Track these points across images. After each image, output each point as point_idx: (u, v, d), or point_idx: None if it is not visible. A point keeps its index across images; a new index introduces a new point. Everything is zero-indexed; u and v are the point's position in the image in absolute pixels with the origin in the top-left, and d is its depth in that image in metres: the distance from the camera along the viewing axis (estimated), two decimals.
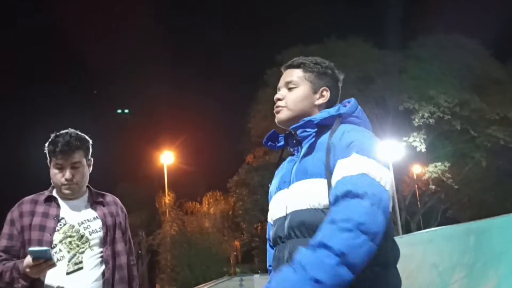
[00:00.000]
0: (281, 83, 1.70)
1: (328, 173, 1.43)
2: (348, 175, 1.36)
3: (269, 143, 1.72)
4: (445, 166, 22.11)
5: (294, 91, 1.64)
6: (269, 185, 1.78)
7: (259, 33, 40.12)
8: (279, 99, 1.67)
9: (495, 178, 23.58)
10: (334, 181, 1.39)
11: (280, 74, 1.82)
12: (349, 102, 1.63)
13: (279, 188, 1.62)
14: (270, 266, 1.70)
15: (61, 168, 2.15)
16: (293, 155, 1.66)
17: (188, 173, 29.69)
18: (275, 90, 1.76)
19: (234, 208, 27.02)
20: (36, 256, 1.89)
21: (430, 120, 20.97)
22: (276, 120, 1.67)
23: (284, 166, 1.68)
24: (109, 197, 2.36)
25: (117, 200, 2.39)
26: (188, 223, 25.42)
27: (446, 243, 5.41)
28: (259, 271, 26.81)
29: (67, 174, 2.13)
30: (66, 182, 2.14)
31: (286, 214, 1.52)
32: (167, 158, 28.16)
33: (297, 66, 1.69)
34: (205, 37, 44.47)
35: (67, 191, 2.16)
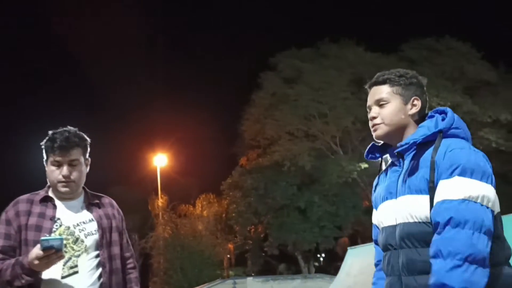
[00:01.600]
0: (371, 101, 1.80)
1: (431, 191, 1.57)
2: (448, 198, 1.51)
3: (370, 155, 1.87)
4: None
5: (387, 107, 1.74)
6: (373, 191, 1.91)
7: (253, 36, 40.19)
8: (374, 117, 1.77)
9: None
10: (435, 201, 1.55)
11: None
12: (444, 112, 1.71)
13: (385, 198, 1.75)
14: (377, 261, 1.90)
15: (58, 165, 2.11)
16: (393, 164, 1.78)
17: (181, 176, 29.61)
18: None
19: (227, 210, 26.96)
20: (47, 246, 1.85)
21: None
22: (374, 137, 1.79)
23: (388, 175, 1.80)
24: (105, 199, 2.32)
25: (113, 202, 2.35)
26: (181, 226, 25.31)
27: None
28: (253, 274, 26.76)
29: (65, 170, 2.10)
30: (63, 179, 2.10)
31: (396, 224, 1.67)
32: (160, 160, 28.06)
33: (383, 82, 1.79)
34: (200, 40, 44.43)
35: (64, 189, 2.12)
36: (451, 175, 1.53)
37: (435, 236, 1.49)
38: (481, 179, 1.53)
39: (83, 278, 2.05)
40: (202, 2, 46.98)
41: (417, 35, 23.97)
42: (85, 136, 2.24)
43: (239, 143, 26.53)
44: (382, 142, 1.83)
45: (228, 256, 29.31)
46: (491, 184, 1.57)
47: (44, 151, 2.16)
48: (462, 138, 1.67)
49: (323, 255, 32.10)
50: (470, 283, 1.40)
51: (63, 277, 2.01)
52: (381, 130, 1.74)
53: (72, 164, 2.12)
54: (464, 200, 1.49)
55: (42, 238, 1.89)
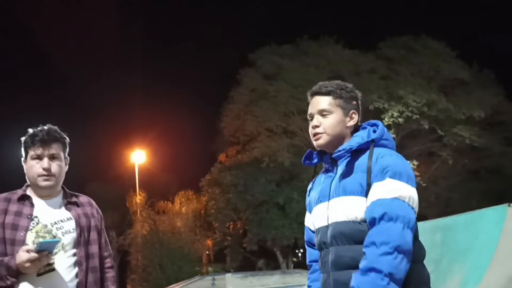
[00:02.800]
0: (313, 110, 1.93)
1: (367, 193, 1.73)
2: (382, 197, 1.68)
3: (306, 161, 2.01)
4: (413, 164, 22.58)
5: (329, 117, 1.89)
6: (307, 196, 2.08)
7: (232, 32, 40.06)
8: (316, 126, 1.90)
9: (461, 176, 24.27)
10: (369, 201, 1.72)
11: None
12: (376, 124, 1.91)
13: (319, 201, 1.91)
14: (310, 262, 2.08)
15: (39, 158, 2.11)
16: (327, 170, 1.95)
17: (160, 172, 29.39)
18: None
19: (206, 207, 26.89)
20: (42, 248, 1.86)
21: (399, 120, 21.41)
22: (315, 145, 1.92)
23: (322, 180, 1.97)
24: (84, 198, 2.33)
25: (92, 201, 2.36)
26: (160, 223, 25.15)
27: None
28: (232, 270, 26.79)
29: (45, 163, 2.10)
30: (44, 173, 2.10)
31: (328, 224, 1.82)
32: (138, 157, 27.78)
33: (327, 94, 1.91)
34: (178, 35, 44.05)
35: (44, 183, 2.12)
36: (383, 178, 1.72)
37: (371, 230, 1.67)
38: (407, 182, 1.73)
39: (59, 275, 2.05)
40: None
41: (394, 34, 24.31)
42: (65, 136, 2.24)
43: (218, 139, 26.46)
44: (319, 149, 1.96)
45: (207, 252, 29.27)
46: (414, 187, 1.76)
47: (23, 147, 2.16)
48: (390, 148, 1.87)
49: (301, 250, 32.36)
50: (396, 270, 1.57)
51: (39, 274, 2.01)
52: (323, 139, 1.89)
53: (53, 157, 2.13)
54: (395, 198, 1.67)
55: (42, 240, 1.92)
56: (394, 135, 22.40)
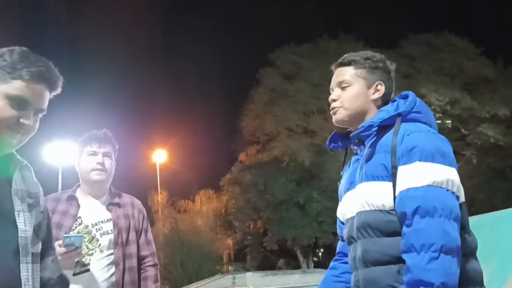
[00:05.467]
0: (333, 83, 1.69)
1: (394, 177, 1.45)
2: (412, 186, 1.40)
3: (332, 144, 1.75)
4: None
5: (348, 89, 1.64)
6: (338, 183, 1.80)
7: (253, 32, 40.10)
8: (334, 100, 1.66)
9: (486, 176, 23.79)
10: (398, 190, 1.43)
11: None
12: (407, 96, 1.62)
13: (347, 189, 1.66)
14: (337, 254, 1.83)
15: (94, 155, 2.25)
16: (356, 153, 1.67)
17: (181, 172, 29.64)
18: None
19: (226, 206, 27.01)
20: (69, 243, 1.94)
21: None
22: (333, 121, 1.67)
23: (350, 165, 1.71)
24: (127, 198, 2.40)
25: (135, 201, 2.43)
26: (181, 222, 25.35)
27: None
28: (252, 269, 26.84)
29: (99, 158, 2.24)
30: (98, 167, 2.23)
31: (354, 215, 1.58)
32: (159, 156, 28.08)
33: (348, 64, 1.67)
34: (199, 36, 44.37)
35: (96, 177, 2.23)
36: (410, 160, 1.43)
37: (404, 229, 1.39)
38: (442, 162, 1.42)
39: (95, 275, 2.10)
40: None
41: (416, 31, 23.98)
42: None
43: (238, 139, 26.56)
44: (345, 130, 1.71)
45: (228, 251, 29.38)
46: (455, 167, 1.46)
47: (80, 146, 2.31)
48: (423, 123, 1.56)
49: (322, 250, 32.21)
50: (448, 276, 1.30)
51: (74, 274, 2.06)
52: (340, 114, 1.64)
53: (106, 155, 2.28)
54: (429, 186, 1.38)
55: (65, 235, 1.97)
56: None
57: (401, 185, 1.42)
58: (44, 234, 1.38)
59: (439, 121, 21.54)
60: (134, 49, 44.06)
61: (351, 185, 1.63)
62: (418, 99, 1.61)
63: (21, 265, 1.24)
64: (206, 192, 27.42)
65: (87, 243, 2.15)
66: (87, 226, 2.19)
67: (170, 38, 46.91)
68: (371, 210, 1.50)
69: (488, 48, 23.68)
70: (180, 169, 29.61)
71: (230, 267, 29.61)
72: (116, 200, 2.34)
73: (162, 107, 41.28)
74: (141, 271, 2.31)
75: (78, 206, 2.24)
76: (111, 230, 2.21)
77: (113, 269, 2.17)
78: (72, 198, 2.26)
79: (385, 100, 1.65)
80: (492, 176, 23.99)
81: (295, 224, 23.74)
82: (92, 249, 2.15)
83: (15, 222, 1.26)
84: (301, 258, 25.90)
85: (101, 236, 2.18)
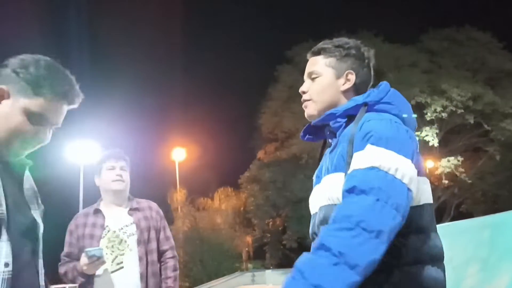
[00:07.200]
0: (305, 74, 1.58)
1: (347, 167, 1.33)
2: (357, 168, 1.27)
3: (307, 136, 1.63)
4: (458, 160, 21.89)
5: (317, 81, 1.53)
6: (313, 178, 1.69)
7: (270, 29, 40.02)
8: (303, 92, 1.55)
9: (509, 172, 23.30)
10: (348, 174, 1.31)
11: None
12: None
13: (316, 183, 1.55)
14: None
15: (112, 168, 2.64)
16: (330, 146, 1.54)
17: (200, 169, 29.81)
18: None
19: (245, 204, 27.08)
20: (91, 255, 2.31)
21: (443, 114, 20.78)
22: (305, 115, 1.56)
23: (324, 159, 1.58)
24: (144, 203, 2.77)
25: (152, 204, 2.79)
26: (200, 219, 25.54)
27: (460, 237, 5.37)
28: (271, 267, 26.87)
29: (118, 170, 2.63)
30: (117, 178, 2.61)
31: (317, 211, 1.46)
32: (178, 154, 28.30)
33: (318, 53, 1.55)
34: (218, 35, 44.49)
35: (117, 187, 2.62)
36: (364, 145, 1.30)
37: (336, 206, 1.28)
38: (398, 152, 1.27)
39: (127, 271, 2.49)
40: None
41: (436, 26, 23.59)
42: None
43: (256, 136, 26.58)
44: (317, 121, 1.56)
45: (247, 249, 29.48)
46: (411, 160, 1.29)
47: (98, 164, 2.69)
48: (394, 115, 1.41)
49: None
50: (351, 250, 1.14)
51: (111, 272, 2.48)
52: (310, 108, 1.52)
53: (122, 169, 2.66)
54: (373, 167, 1.24)
55: (86, 249, 2.35)
56: (437, 131, 21.82)
57: (350, 169, 1.31)
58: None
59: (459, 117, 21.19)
60: (154, 49, 44.46)
61: (318, 179, 1.53)
62: (392, 90, 1.46)
63: (38, 260, 1.28)
64: (225, 190, 27.54)
65: (117, 245, 2.53)
66: (114, 232, 2.56)
67: (189, 37, 47.19)
68: (330, 204, 1.38)
69: (511, 42, 23.15)
70: (199, 167, 29.81)
71: (249, 265, 29.69)
72: (135, 205, 2.69)
73: (181, 106, 41.57)
74: (162, 263, 2.67)
75: (104, 217, 2.61)
76: (135, 231, 2.58)
77: (139, 264, 2.52)
78: (98, 211, 2.63)
79: (359, 90, 1.51)
80: None
81: None
82: (123, 250, 2.52)
83: (35, 219, 1.30)
84: None
85: (128, 237, 2.55)
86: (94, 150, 17.65)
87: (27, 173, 1.35)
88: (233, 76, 39.53)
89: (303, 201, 27.40)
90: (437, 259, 1.34)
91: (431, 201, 1.41)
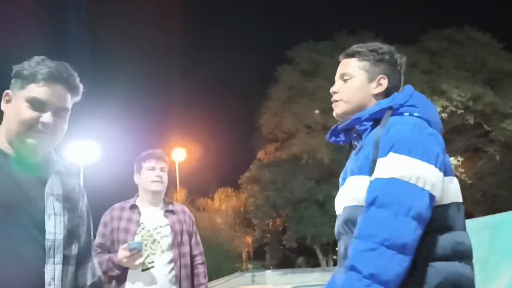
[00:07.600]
0: (337, 74, 1.63)
1: (372, 170, 1.40)
2: (379, 177, 1.35)
3: (333, 138, 1.68)
4: (458, 160, 21.90)
5: (349, 82, 1.58)
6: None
7: (271, 29, 40.03)
8: (334, 92, 1.60)
9: (509, 172, 23.30)
10: (370, 181, 1.39)
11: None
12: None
13: (341, 185, 1.60)
14: None
15: (153, 170, 2.67)
16: (355, 149, 1.60)
17: (200, 170, 29.81)
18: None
19: (245, 204, 27.08)
20: (132, 247, 2.37)
21: (443, 115, 20.75)
22: (334, 114, 1.61)
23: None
24: (179, 207, 2.83)
25: (186, 209, 2.85)
26: (200, 220, 25.53)
27: None
28: (271, 267, 26.87)
29: (158, 171, 2.66)
30: (157, 179, 2.64)
31: (342, 212, 1.53)
32: (178, 154, 28.30)
33: (352, 55, 1.61)
34: (218, 35, 44.48)
35: (156, 187, 2.64)
36: (387, 152, 1.36)
37: (360, 217, 1.36)
38: (421, 158, 1.33)
39: (158, 271, 2.53)
40: None
41: (436, 26, 23.61)
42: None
43: (257, 136, 26.57)
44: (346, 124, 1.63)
45: (247, 249, 29.48)
46: (435, 165, 1.34)
47: (138, 162, 2.71)
48: (418, 117, 1.46)
49: None
50: (381, 269, 1.24)
51: (143, 270, 2.51)
52: (339, 108, 1.58)
53: (162, 170, 2.69)
54: (393, 178, 1.31)
55: (129, 242, 2.41)
56: None
57: (373, 176, 1.38)
58: (82, 238, 1.44)
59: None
60: (153, 49, 44.47)
61: (343, 180, 1.58)
62: (415, 93, 1.52)
63: (46, 265, 1.27)
64: (225, 190, 27.55)
65: (150, 245, 2.54)
66: (149, 230, 2.58)
67: (189, 37, 47.18)
68: (354, 205, 1.44)
69: (511, 42, 23.17)
70: (199, 167, 29.80)
71: (249, 265, 29.69)
72: (170, 207, 2.73)
73: (181, 106, 41.61)
74: (193, 268, 2.72)
75: (140, 213, 2.64)
76: (169, 233, 2.61)
77: (171, 266, 2.57)
78: (135, 207, 2.66)
79: (389, 95, 1.55)
80: None
81: (314, 222, 23.66)
82: (155, 249, 2.55)
83: (44, 223, 1.29)
84: (320, 256, 25.80)
85: (161, 238, 2.58)
86: (94, 150, 17.67)
87: (53, 177, 1.37)
88: (233, 76, 39.57)
89: (303, 201, 27.48)
90: (465, 256, 1.39)
91: (458, 200, 1.46)
